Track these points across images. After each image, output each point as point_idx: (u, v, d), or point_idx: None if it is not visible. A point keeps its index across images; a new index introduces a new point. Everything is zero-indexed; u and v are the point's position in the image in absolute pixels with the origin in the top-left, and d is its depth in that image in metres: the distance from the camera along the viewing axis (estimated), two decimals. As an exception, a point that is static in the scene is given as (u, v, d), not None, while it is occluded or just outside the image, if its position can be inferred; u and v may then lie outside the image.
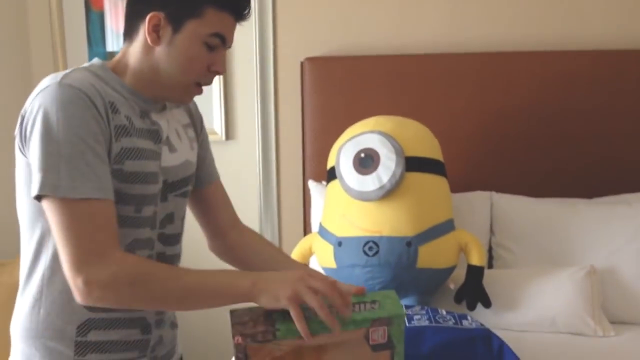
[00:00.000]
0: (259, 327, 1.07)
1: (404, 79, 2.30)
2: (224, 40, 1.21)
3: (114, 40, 2.48)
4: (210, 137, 2.47)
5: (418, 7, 2.35)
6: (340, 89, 2.33)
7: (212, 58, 1.21)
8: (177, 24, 1.17)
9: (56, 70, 2.53)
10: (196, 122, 1.40)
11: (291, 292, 1.05)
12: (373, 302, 1.13)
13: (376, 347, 1.09)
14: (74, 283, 1.08)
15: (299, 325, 1.04)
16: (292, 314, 1.05)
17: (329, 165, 2.01)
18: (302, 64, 2.38)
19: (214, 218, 1.43)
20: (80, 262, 1.07)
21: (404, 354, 1.13)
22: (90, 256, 1.07)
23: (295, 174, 2.46)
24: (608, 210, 2.09)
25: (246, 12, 1.22)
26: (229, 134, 2.51)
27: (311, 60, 2.35)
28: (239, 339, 1.06)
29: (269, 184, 2.49)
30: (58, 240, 1.09)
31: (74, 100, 1.09)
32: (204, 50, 1.19)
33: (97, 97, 1.12)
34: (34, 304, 1.19)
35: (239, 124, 2.51)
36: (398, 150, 1.85)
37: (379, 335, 1.09)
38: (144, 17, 1.18)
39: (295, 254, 2.03)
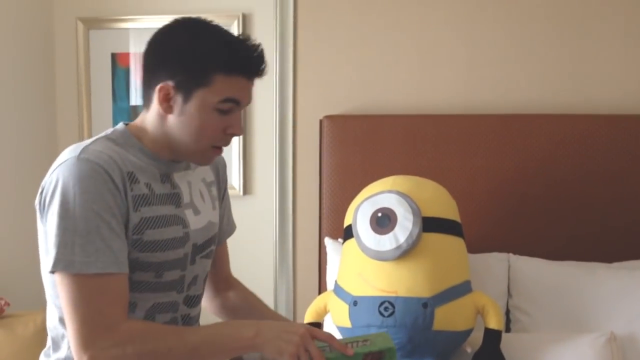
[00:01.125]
0: None
1: (421, 139, 2.32)
2: (237, 103, 1.20)
3: (137, 96, 2.55)
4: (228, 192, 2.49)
5: (436, 68, 2.39)
6: (358, 147, 2.35)
7: (227, 121, 1.20)
8: (186, 93, 1.17)
9: (80, 124, 2.59)
10: (221, 182, 1.42)
11: (294, 350, 1.11)
12: (365, 340, 1.19)
13: None
14: None
15: None
16: None
17: (346, 223, 2.01)
18: (321, 121, 2.41)
19: (215, 274, 1.44)
20: (87, 340, 1.08)
21: None
22: (97, 332, 1.08)
23: (312, 230, 2.46)
24: (628, 275, 2.06)
25: (261, 68, 1.20)
26: (246, 189, 2.53)
27: (330, 118, 2.38)
28: None
29: (285, 241, 2.49)
30: (66, 314, 1.10)
31: (91, 175, 1.11)
32: (216, 116, 1.18)
33: (115, 170, 1.13)
34: None
35: (257, 179, 2.53)
36: (415, 210, 1.85)
37: None
38: (156, 87, 1.19)
39: (310, 312, 2.01)
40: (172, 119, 1.19)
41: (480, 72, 2.36)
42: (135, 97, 2.55)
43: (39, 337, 1.82)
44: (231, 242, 2.47)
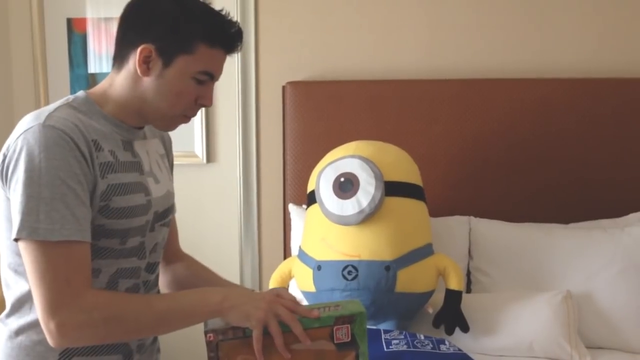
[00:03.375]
0: (229, 326, 1.15)
1: (384, 104, 2.32)
2: (212, 77, 1.22)
3: (96, 62, 2.49)
4: (191, 160, 2.48)
5: (398, 34, 2.39)
6: (321, 113, 2.35)
7: (201, 91, 1.22)
8: (167, 58, 1.18)
9: (37, 92, 2.52)
10: (169, 154, 1.42)
11: (262, 315, 1.12)
12: (337, 305, 1.22)
13: (341, 346, 1.17)
14: (47, 327, 1.09)
15: (256, 346, 1.12)
16: (254, 334, 1.12)
17: (309, 189, 2.02)
18: (283, 88, 2.40)
19: (165, 248, 1.40)
20: (55, 306, 1.08)
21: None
22: (65, 299, 1.08)
23: (276, 197, 2.46)
24: (584, 235, 2.12)
25: (238, 46, 1.23)
26: (209, 156, 2.52)
27: (293, 84, 2.37)
28: (211, 336, 1.14)
29: (249, 207, 2.50)
30: (32, 282, 1.09)
31: (57, 142, 1.09)
32: (193, 85, 1.20)
33: (80, 138, 1.12)
34: (17, 333, 1.19)
35: (220, 146, 2.52)
36: (378, 174, 1.87)
37: (342, 333, 1.16)
38: (135, 47, 1.18)
39: (275, 278, 2.03)
40: (147, 81, 1.19)
41: (441, 37, 2.37)
42: (94, 64, 2.49)
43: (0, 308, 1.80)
44: (196, 210, 2.49)
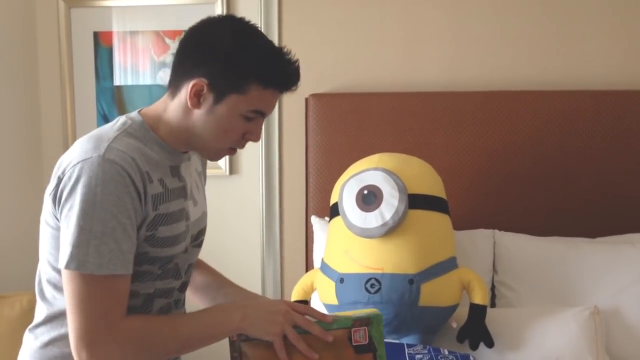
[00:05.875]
0: None
1: (407, 117, 2.32)
2: (263, 115, 1.23)
3: (121, 75, 2.52)
4: (214, 172, 2.49)
5: (422, 46, 2.38)
6: (344, 125, 2.35)
7: (249, 127, 1.22)
8: (219, 95, 1.18)
9: (63, 103, 2.55)
10: (205, 171, 1.44)
11: (279, 330, 1.16)
12: (354, 313, 1.26)
13: (359, 349, 1.19)
14: (79, 355, 1.11)
15: (280, 355, 1.16)
16: (276, 346, 1.16)
17: (332, 201, 2.02)
18: (306, 100, 2.40)
19: None
20: (89, 337, 1.10)
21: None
22: (99, 331, 1.11)
23: (298, 209, 2.46)
24: (611, 250, 2.08)
25: (293, 86, 1.23)
26: (232, 168, 2.53)
27: (316, 96, 2.37)
28: (234, 337, 1.19)
29: (271, 219, 2.50)
30: (70, 309, 1.12)
31: (115, 178, 1.11)
32: (241, 122, 1.20)
33: (137, 173, 1.14)
34: (49, 343, 1.22)
35: (243, 158, 2.53)
36: (401, 187, 1.85)
37: (360, 335, 1.20)
38: (188, 79, 1.18)
39: (297, 290, 2.02)
40: (197, 114, 1.20)
41: (465, 48, 2.36)
42: (119, 77, 2.52)
43: (26, 318, 1.83)
44: (218, 222, 2.48)
